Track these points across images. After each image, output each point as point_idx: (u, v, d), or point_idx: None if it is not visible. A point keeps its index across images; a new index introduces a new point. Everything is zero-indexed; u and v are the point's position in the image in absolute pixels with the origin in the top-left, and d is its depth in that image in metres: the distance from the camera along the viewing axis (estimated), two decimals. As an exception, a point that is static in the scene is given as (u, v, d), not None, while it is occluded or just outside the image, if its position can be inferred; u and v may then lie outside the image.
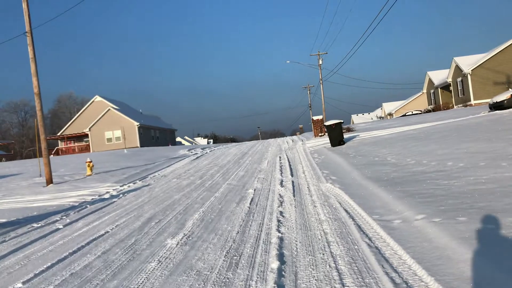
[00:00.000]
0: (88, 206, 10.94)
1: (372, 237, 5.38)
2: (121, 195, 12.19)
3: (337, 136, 17.96)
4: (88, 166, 18.66)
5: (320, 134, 25.44)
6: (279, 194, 9.27)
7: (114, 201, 11.25)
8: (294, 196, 8.93)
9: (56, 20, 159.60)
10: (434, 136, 14.94)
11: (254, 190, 10.21)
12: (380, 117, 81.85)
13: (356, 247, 5.10)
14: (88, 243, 6.78)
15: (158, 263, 5.31)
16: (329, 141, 18.94)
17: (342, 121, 18.25)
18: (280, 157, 17.43)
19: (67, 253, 6.22)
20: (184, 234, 6.77)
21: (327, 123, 18.13)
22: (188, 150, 29.35)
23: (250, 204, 8.63)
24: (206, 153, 26.13)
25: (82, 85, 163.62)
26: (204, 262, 5.17)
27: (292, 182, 10.83)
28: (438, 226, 5.07)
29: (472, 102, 38.08)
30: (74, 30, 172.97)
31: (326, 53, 54.30)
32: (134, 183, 15.05)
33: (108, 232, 7.50)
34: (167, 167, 19.87)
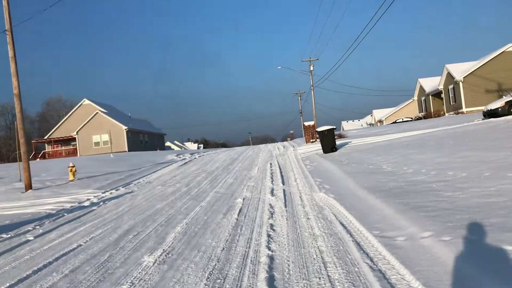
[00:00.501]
0: (65, 214, 10.22)
1: (374, 258, 4.77)
2: (101, 203, 11.48)
3: (329, 143, 17.40)
4: (71, 171, 17.91)
5: (311, 140, 24.89)
6: (270, 204, 8.64)
7: (93, 210, 10.54)
8: (285, 206, 8.30)
9: (46, 21, 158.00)
10: (430, 143, 14.44)
11: (243, 200, 9.57)
12: (370, 124, 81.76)
13: (356, 269, 4.48)
14: (56, 259, 6.08)
15: (130, 286, 4.64)
16: (321, 147, 18.38)
17: (334, 127, 17.70)
18: (271, 164, 16.82)
19: (31, 271, 5.51)
20: (164, 250, 6.10)
21: (319, 129, 17.58)
22: (177, 155, 28.64)
23: (238, 215, 7.98)
24: (195, 158, 25.44)
25: (72, 89, 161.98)
26: (183, 286, 4.51)
27: (284, 191, 10.21)
28: (449, 246, 4.47)
29: (464, 109, 37.86)
30: (66, 33, 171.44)
31: (318, 59, 54.00)
32: (116, 190, 14.33)
33: (81, 245, 6.81)
34: (153, 173, 19.15)
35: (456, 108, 39.48)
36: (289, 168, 14.72)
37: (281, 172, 13.81)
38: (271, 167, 15.71)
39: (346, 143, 19.75)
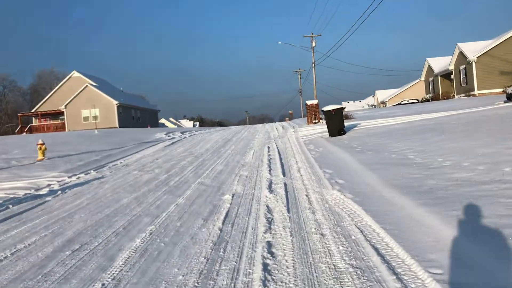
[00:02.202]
0: (10, 207, 8.04)
1: None
2: (60, 192, 9.28)
3: (337, 125, 15.13)
4: (40, 149, 15.67)
5: (314, 121, 22.62)
6: (267, 206, 6.44)
7: (46, 202, 8.36)
8: (288, 211, 6.09)
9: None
10: (457, 128, 12.21)
11: (232, 197, 7.36)
12: (372, 105, 79.37)
13: None
14: None
15: None
16: (326, 129, 16.15)
17: (344, 106, 15.45)
18: (268, 148, 14.58)
19: None
20: (103, 285, 3.93)
21: (325, 109, 15.30)
22: (166, 134, 26.35)
23: (223, 223, 5.78)
24: (185, 138, 23.16)
25: (68, 63, 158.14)
26: None
27: (285, 185, 8.00)
28: None
29: (476, 92, 35.53)
30: (64, 4, 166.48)
31: (320, 35, 51.42)
32: (86, 174, 12.12)
33: (-10, 267, 4.63)
34: (134, 153, 16.91)
35: (467, 90, 37.13)
36: (290, 154, 12.48)
37: (280, 159, 11.58)
38: (268, 151, 13.47)
39: (354, 126, 17.50)
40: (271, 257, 4.31)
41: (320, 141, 14.86)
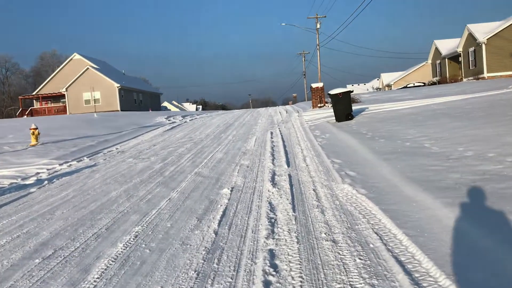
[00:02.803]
0: (-10, 199, 7.36)
1: None
2: (47, 182, 8.60)
3: (344, 109, 14.31)
4: (33, 134, 14.98)
5: (319, 105, 21.78)
6: (270, 203, 5.71)
7: (31, 193, 7.68)
8: (293, 209, 5.36)
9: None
10: (475, 113, 11.38)
11: (231, 191, 6.63)
12: (377, 88, 78.16)
13: None
14: None
15: None
16: (332, 114, 15.34)
17: (351, 90, 14.61)
18: (271, 134, 13.80)
19: None
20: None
21: (332, 92, 14.45)
22: (167, 118, 25.61)
23: (219, 223, 5.07)
24: (185, 122, 22.40)
25: (71, 45, 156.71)
26: None
27: (289, 177, 7.26)
28: None
29: (485, 75, 34.47)
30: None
31: (325, 16, 50.40)
32: (78, 161, 11.43)
33: None
34: (132, 138, 16.20)
35: (476, 73, 36.05)
36: (294, 141, 11.72)
37: (284, 146, 10.82)
38: (271, 138, 12.70)
39: (362, 110, 16.66)
40: (274, 272, 3.59)
41: (326, 126, 14.07)
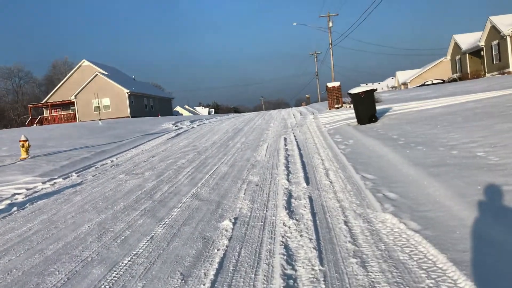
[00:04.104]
0: None
1: None
2: (16, 209, 7.12)
3: (368, 110, 12.60)
4: (23, 146, 13.57)
5: (336, 106, 20.07)
6: (286, 247, 4.09)
7: (-10, 225, 6.17)
8: (321, 261, 3.72)
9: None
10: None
11: (234, 223, 5.03)
12: (393, 87, 75.90)
13: None
14: None
15: None
16: (352, 115, 13.67)
17: (375, 88, 12.91)
18: (285, 140, 12.18)
19: None
20: None
21: (353, 91, 12.76)
22: (174, 123, 24.15)
23: (212, 284, 3.46)
24: (192, 128, 20.89)
25: (84, 53, 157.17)
26: None
27: (310, 200, 5.63)
28: None
29: (511, 69, 32.36)
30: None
31: (337, 14, 48.42)
32: (65, 178, 9.98)
33: None
34: (132, 148, 14.72)
35: (500, 67, 33.91)
36: (312, 148, 10.08)
37: (301, 156, 9.19)
38: (285, 145, 11.08)
39: (385, 110, 14.91)
40: None
41: (347, 130, 12.38)
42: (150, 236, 4.87)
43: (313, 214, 5.06)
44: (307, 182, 6.68)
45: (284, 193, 6.14)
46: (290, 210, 5.28)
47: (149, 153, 12.89)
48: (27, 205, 7.39)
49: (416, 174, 6.10)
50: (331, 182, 6.56)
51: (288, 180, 6.97)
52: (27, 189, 9.06)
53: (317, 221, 4.78)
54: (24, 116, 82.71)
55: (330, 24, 46.08)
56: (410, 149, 7.82)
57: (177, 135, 17.68)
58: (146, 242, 4.66)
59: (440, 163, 6.40)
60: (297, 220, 4.88)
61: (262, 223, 4.93)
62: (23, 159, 13.23)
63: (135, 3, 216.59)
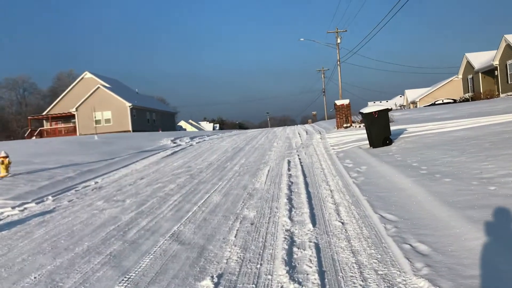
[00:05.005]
0: None
1: None
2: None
3: (381, 132, 11.39)
4: (2, 163, 12.43)
5: (345, 125, 18.88)
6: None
7: None
8: None
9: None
10: None
11: (216, 284, 3.81)
12: (401, 106, 74.66)
13: None
14: None
15: None
16: (363, 136, 12.47)
17: (390, 107, 11.73)
18: (289, 163, 10.97)
19: None
20: None
21: (365, 110, 11.55)
22: (173, 140, 23.02)
23: None
24: (191, 145, 19.73)
25: (90, 65, 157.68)
26: None
27: (317, 252, 4.40)
28: None
29: (527, 90, 31.15)
30: (86, 6, 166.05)
31: (346, 30, 47.55)
32: (38, 202, 8.82)
33: None
34: (122, 167, 13.55)
35: (516, 88, 32.72)
36: (319, 175, 8.86)
37: (306, 184, 7.97)
38: (289, 170, 9.87)
39: (400, 132, 13.68)
40: None
41: (359, 154, 11.15)
42: (103, 301, 3.66)
43: (321, 273, 3.84)
44: (313, 222, 5.45)
45: (285, 237, 4.92)
46: (291, 266, 4.06)
47: (139, 174, 11.71)
48: (-21, 239, 6.19)
49: (449, 218, 4.86)
50: (342, 223, 5.33)
51: (290, 218, 5.75)
52: (-11, 217, 7.88)
53: (327, 286, 3.55)
54: (25, 128, 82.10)
55: (339, 40, 45.18)
56: (436, 181, 6.59)
57: (173, 153, 16.51)
58: (94, 313, 3.45)
59: (478, 203, 5.16)
60: (299, 283, 3.65)
61: (254, 286, 3.70)
62: (2, 177, 12.09)
63: (145, 18, 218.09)
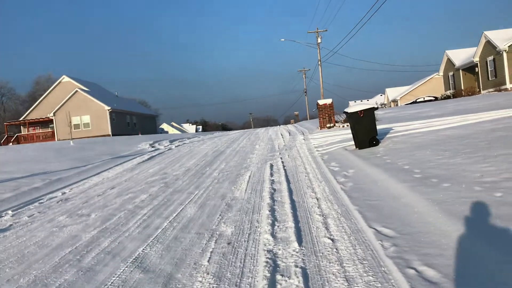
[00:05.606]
0: None
1: None
2: None
3: (367, 132, 10.76)
4: (-38, 175, 11.47)
5: (328, 125, 18.26)
6: None
7: None
8: None
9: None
10: None
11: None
12: (382, 104, 74.74)
13: None
14: None
15: None
16: (346, 136, 11.84)
17: (376, 106, 11.10)
18: (271, 167, 10.26)
19: None
20: None
21: (350, 110, 10.91)
22: (152, 144, 22.12)
23: None
24: (170, 149, 18.86)
25: (70, 69, 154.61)
26: None
27: (305, 281, 3.69)
28: None
29: (508, 85, 31.05)
30: (65, 9, 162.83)
31: (326, 30, 47.36)
32: (-7, 220, 7.89)
33: None
34: (94, 175, 12.66)
35: (497, 84, 32.62)
36: (304, 181, 8.16)
37: (290, 192, 7.26)
38: (271, 175, 9.15)
39: (386, 131, 13.08)
40: None
41: (345, 156, 10.50)
42: None
43: (311, 312, 3.12)
44: (299, 240, 4.74)
45: (267, 261, 4.19)
46: (273, 302, 3.33)
47: (110, 182, 10.86)
48: None
49: (457, 233, 4.20)
50: (332, 240, 4.64)
51: (273, 234, 5.02)
52: None
53: (319, 334, 2.83)
54: (2, 134, 79.82)
55: (319, 40, 44.96)
56: (434, 187, 5.94)
57: (150, 158, 15.65)
58: None
59: (486, 214, 4.51)
60: (284, 328, 2.93)
61: (227, 333, 2.96)
62: (-38, 189, 11.11)
63: (125, 20, 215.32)
